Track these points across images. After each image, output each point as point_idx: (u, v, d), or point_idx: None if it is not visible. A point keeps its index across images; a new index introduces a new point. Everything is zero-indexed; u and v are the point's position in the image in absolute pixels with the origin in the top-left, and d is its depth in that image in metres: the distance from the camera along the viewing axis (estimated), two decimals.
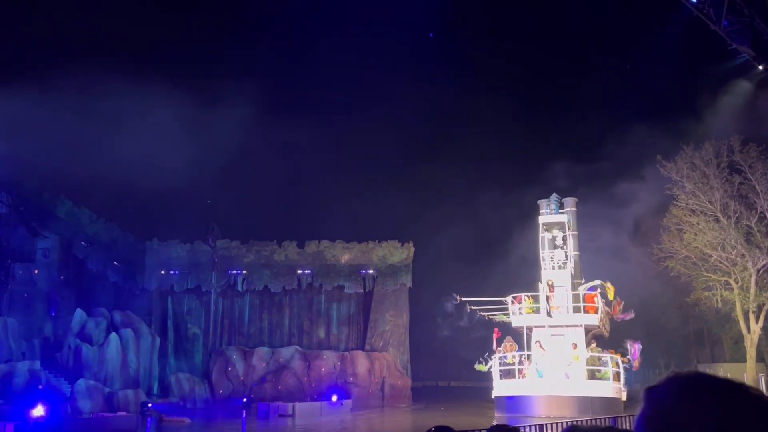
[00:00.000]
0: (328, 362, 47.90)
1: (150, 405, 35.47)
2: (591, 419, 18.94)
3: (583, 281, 31.19)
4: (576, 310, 28.68)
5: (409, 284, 51.66)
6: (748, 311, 36.13)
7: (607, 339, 34.22)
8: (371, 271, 51.76)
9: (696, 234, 35.45)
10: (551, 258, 30.27)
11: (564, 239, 30.65)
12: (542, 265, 30.04)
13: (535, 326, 28.60)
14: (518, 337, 29.16)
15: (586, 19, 58.20)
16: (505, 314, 29.97)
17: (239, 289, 51.34)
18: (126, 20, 54.31)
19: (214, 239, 49.31)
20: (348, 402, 40.25)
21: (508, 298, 28.84)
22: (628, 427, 19.50)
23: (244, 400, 39.84)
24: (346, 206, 57.31)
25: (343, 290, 51.85)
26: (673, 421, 1.25)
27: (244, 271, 51.23)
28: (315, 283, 51.62)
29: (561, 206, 32.29)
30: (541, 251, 30.22)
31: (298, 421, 33.54)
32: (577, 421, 17.31)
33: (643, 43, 46.09)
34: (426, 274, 52.54)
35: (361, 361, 48.25)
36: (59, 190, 44.23)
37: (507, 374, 27.96)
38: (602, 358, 27.22)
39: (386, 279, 51.61)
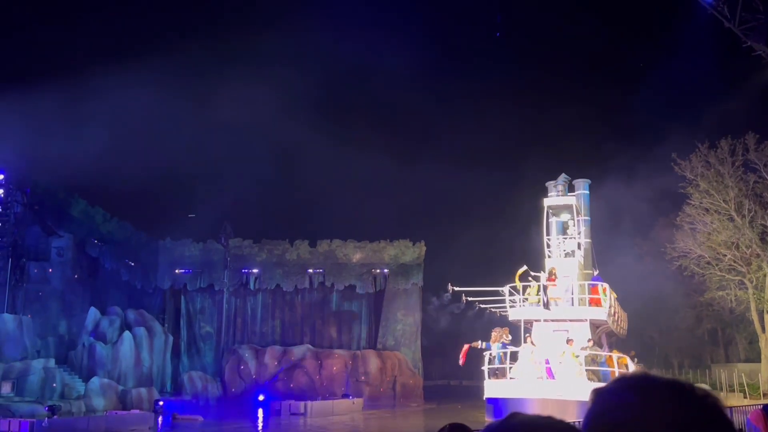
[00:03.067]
0: (339, 361, 48.00)
1: (162, 403, 35.70)
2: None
3: (596, 272, 28.05)
4: (582, 303, 25.24)
5: (421, 283, 51.64)
6: (763, 311, 35.82)
7: (623, 339, 31.66)
8: (384, 270, 51.81)
9: (710, 233, 35.17)
10: (558, 245, 26.75)
11: (569, 224, 27.04)
12: (547, 253, 26.44)
13: (534, 320, 25.13)
14: (516, 332, 25.89)
15: (598, 17, 57.90)
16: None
17: (251, 287, 51.56)
18: (133, 22, 54.67)
19: (226, 238, 49.54)
20: (359, 401, 40.33)
21: (506, 288, 25.23)
22: None
23: (261, 398, 40.01)
24: (358, 205, 57.35)
25: (354, 289, 51.92)
26: (621, 417, 1.26)
27: (257, 270, 51.44)
28: (327, 282, 51.74)
29: (572, 189, 28.47)
30: (545, 237, 26.46)
31: (310, 419, 33.63)
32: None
33: (658, 42, 45.77)
34: (438, 272, 52.48)
35: (372, 360, 48.30)
36: (73, 190, 44.62)
37: (495, 373, 24.32)
38: (600, 358, 23.28)
39: (398, 278, 51.63)
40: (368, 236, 52.33)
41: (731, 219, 34.94)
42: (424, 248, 52.43)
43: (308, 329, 51.63)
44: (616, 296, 27.59)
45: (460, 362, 25.52)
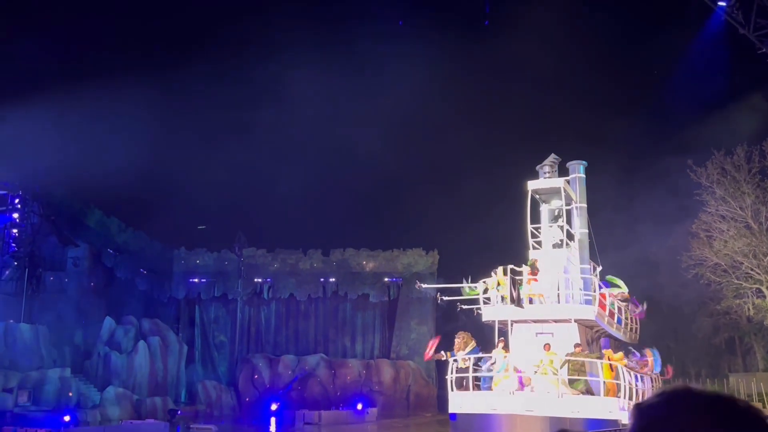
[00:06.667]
0: (353, 370, 47.90)
1: (178, 412, 35.80)
2: None
3: (599, 268, 25.04)
4: (577, 300, 21.51)
5: (435, 292, 51.45)
6: None
7: (634, 344, 29.03)
8: (397, 279, 51.77)
9: (726, 241, 34.82)
10: (548, 235, 23.05)
11: (560, 212, 23.14)
12: (531, 244, 22.62)
13: (509, 321, 21.25)
14: (489, 334, 21.99)
15: (613, 22, 57.67)
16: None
17: (265, 297, 51.67)
18: (153, 30, 55.22)
19: (240, 248, 49.75)
20: (373, 410, 40.20)
21: (479, 284, 21.67)
22: None
23: (273, 407, 40.01)
24: (371, 214, 57.37)
25: (368, 298, 51.88)
26: (667, 430, 1.28)
27: (270, 279, 51.57)
28: (340, 291, 51.75)
29: (566, 173, 24.48)
30: (529, 226, 22.63)
31: (323, 429, 33.58)
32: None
33: (673, 48, 45.56)
34: (452, 281, 52.15)
35: (386, 370, 48.16)
36: (89, 200, 45.03)
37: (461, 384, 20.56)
38: (588, 364, 19.44)
39: (411, 287, 51.52)
40: (381, 245, 52.35)
41: (748, 226, 34.59)
42: (438, 256, 52.32)
43: (322, 338, 51.63)
44: (619, 293, 24.21)
45: (426, 356, 22.60)
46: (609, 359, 19.48)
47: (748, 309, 36.24)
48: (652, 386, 23.03)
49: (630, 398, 18.75)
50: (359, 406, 39.78)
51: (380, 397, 46.24)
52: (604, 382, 18.72)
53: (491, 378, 20.02)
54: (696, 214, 36.30)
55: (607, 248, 27.36)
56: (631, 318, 25.86)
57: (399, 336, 51.47)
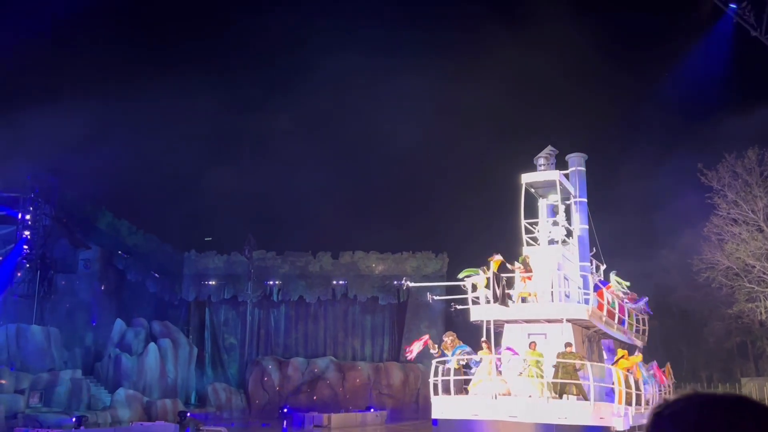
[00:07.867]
0: (362, 373, 47.89)
1: (188, 414, 35.91)
2: None
3: (603, 267, 24.09)
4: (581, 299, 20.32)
5: (444, 295, 51.33)
6: None
7: (645, 348, 25.85)
8: (406, 282, 51.69)
9: (738, 244, 34.58)
10: (545, 232, 21.86)
11: (557, 208, 22.16)
12: (525, 240, 21.35)
13: (498, 321, 19.97)
14: (475, 334, 20.75)
15: (619, 26, 57.46)
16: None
17: (275, 299, 51.76)
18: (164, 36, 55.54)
19: (250, 250, 49.87)
20: (383, 413, 40.19)
21: (468, 283, 20.35)
22: None
23: (285, 410, 40.07)
24: (380, 217, 57.33)
25: (377, 301, 51.86)
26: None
27: (280, 282, 51.66)
28: (349, 293, 51.76)
29: (565, 166, 23.18)
30: (523, 221, 21.37)
31: (333, 431, 33.59)
32: None
33: (682, 50, 45.33)
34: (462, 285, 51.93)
35: (395, 373, 48.12)
36: (100, 203, 45.28)
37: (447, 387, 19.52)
38: (578, 367, 18.02)
39: (421, 290, 51.44)
40: (390, 248, 52.32)
41: (760, 230, 34.35)
42: (447, 260, 52.23)
43: (331, 341, 51.66)
44: (621, 294, 23.13)
45: (410, 356, 21.71)
46: (621, 362, 18.51)
47: (761, 313, 35.97)
48: (659, 392, 22.52)
49: (628, 403, 17.67)
50: (371, 410, 39.79)
51: (389, 400, 46.21)
52: (612, 388, 17.68)
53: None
54: (707, 216, 36.10)
55: (613, 249, 26.58)
56: (638, 319, 25.13)
57: (408, 339, 51.32)
